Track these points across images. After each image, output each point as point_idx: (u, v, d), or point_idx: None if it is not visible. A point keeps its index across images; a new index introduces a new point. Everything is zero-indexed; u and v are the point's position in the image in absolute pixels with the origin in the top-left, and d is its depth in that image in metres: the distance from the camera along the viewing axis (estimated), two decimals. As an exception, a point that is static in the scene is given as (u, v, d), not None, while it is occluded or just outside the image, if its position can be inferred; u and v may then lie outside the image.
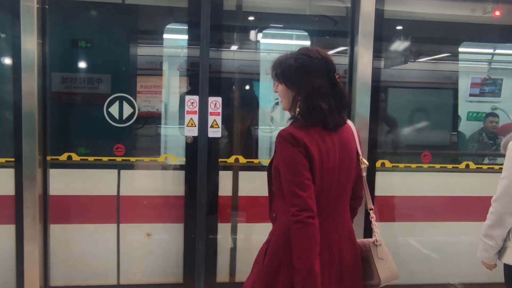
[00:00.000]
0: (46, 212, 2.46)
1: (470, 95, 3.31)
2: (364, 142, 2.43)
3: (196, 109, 2.45)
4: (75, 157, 2.46)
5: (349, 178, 1.29)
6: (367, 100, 2.43)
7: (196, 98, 2.44)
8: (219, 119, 2.46)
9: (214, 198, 2.54)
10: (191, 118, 2.46)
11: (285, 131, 1.20)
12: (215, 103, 2.46)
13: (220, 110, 2.46)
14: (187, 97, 2.46)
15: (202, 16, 2.37)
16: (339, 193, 1.26)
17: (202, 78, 2.41)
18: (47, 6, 2.35)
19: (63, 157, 2.45)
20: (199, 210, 2.41)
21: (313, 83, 1.21)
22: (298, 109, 1.24)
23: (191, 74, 2.64)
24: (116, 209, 2.51)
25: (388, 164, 2.53)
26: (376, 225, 1.36)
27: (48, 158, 2.43)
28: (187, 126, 2.46)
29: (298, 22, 2.84)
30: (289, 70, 1.24)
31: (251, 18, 2.80)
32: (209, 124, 2.45)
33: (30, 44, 2.23)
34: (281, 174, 1.19)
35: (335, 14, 2.74)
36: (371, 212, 1.40)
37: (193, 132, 2.46)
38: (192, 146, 2.46)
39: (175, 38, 2.96)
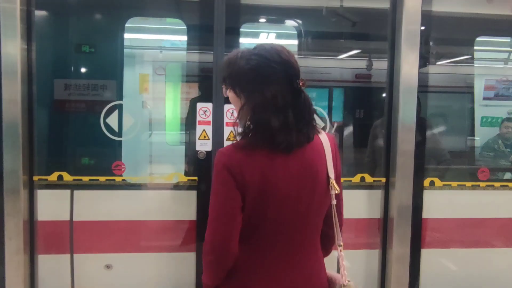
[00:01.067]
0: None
1: (484, 98, 3.00)
2: (409, 155, 2.06)
3: (210, 118, 2.08)
4: (67, 177, 2.09)
5: (314, 208, 1.05)
6: (412, 106, 2.05)
7: (209, 106, 2.07)
8: (237, 131, 2.09)
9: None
10: (204, 130, 2.08)
11: (220, 152, 1.01)
12: (232, 111, 2.08)
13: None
14: (199, 105, 2.08)
15: (216, 12, 2.03)
16: (298, 226, 1.03)
17: (217, 82, 2.05)
18: (33, 8, 2.02)
19: (53, 176, 2.07)
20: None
21: (265, 92, 0.97)
22: (247, 123, 1.01)
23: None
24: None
25: (438, 182, 2.14)
26: (345, 266, 1.11)
27: (35, 178, 2.06)
28: (199, 139, 2.08)
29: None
30: (237, 74, 1.02)
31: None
32: (225, 137, 2.08)
33: (11, 48, 1.90)
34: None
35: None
36: (339, 249, 1.14)
37: (207, 146, 2.08)
38: (205, 163, 2.09)
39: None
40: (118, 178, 2.13)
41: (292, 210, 1.01)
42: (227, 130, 2.08)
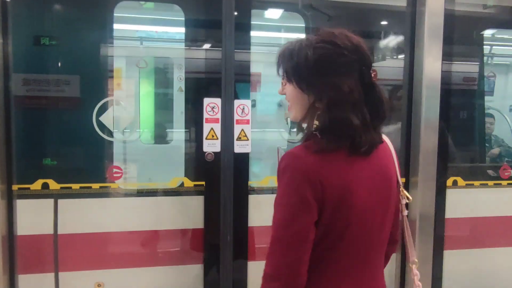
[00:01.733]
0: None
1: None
2: (433, 154, 1.94)
3: (219, 116, 1.86)
4: (54, 185, 1.81)
5: (387, 219, 0.92)
6: (436, 102, 1.94)
7: (218, 101, 1.86)
8: (248, 129, 1.89)
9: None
10: (212, 128, 1.87)
11: (292, 154, 0.84)
12: (242, 107, 1.88)
13: (250, 117, 1.89)
14: (206, 101, 1.86)
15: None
16: (372, 242, 0.89)
17: (226, 75, 1.84)
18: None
19: (36, 185, 1.79)
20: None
21: (341, 86, 0.82)
22: (316, 122, 0.86)
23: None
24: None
25: (461, 182, 2.05)
26: (421, 286, 1.02)
27: (15, 187, 1.77)
28: (206, 139, 1.87)
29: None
30: (305, 65, 0.84)
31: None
32: (236, 136, 1.88)
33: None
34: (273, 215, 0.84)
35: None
36: (413, 267, 1.04)
37: (215, 146, 1.87)
38: (212, 165, 1.87)
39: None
40: (114, 185, 1.87)
41: (371, 226, 0.86)
42: (238, 129, 1.88)
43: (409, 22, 2.04)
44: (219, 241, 1.86)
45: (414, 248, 1.04)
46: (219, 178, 1.86)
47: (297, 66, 0.86)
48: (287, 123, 2.63)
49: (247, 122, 1.89)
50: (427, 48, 1.93)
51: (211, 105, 1.86)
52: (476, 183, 2.10)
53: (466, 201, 2.11)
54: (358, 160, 0.84)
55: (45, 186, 1.79)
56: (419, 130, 1.94)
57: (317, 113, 0.86)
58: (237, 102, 1.87)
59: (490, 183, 2.13)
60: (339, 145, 0.82)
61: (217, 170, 1.86)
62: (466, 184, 2.06)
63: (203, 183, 1.92)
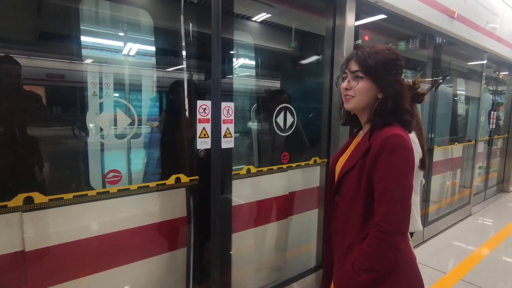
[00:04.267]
0: None
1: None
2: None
3: (209, 116, 2.06)
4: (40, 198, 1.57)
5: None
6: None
7: (208, 103, 2.05)
8: (232, 128, 2.17)
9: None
10: (204, 128, 2.05)
11: (401, 136, 1.11)
12: (228, 109, 2.14)
13: (233, 117, 2.17)
14: (199, 103, 2.01)
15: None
16: None
17: (214, 78, 2.04)
18: None
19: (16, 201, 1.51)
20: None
21: (403, 83, 1.19)
22: (374, 108, 1.20)
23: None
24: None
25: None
26: None
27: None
28: (199, 137, 2.04)
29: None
30: (381, 65, 1.17)
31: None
32: (223, 134, 2.13)
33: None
34: (380, 186, 1.08)
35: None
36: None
37: (206, 144, 2.07)
38: (205, 161, 2.08)
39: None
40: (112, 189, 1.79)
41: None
42: (224, 128, 2.13)
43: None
44: (210, 220, 2.12)
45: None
46: (210, 171, 2.09)
47: (374, 65, 1.15)
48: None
49: (231, 121, 2.17)
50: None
51: (203, 107, 2.03)
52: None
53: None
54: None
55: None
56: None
57: (377, 102, 1.18)
58: (223, 104, 2.11)
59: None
60: (403, 123, 1.17)
61: (209, 165, 2.08)
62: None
63: (197, 177, 2.11)
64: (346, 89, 1.22)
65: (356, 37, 2.76)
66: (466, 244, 3.94)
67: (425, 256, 3.57)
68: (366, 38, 3.15)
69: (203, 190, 2.12)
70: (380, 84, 1.17)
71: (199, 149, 2.04)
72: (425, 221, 3.98)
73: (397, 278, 1.10)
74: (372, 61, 1.16)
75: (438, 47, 3.99)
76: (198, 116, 2.02)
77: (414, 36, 3.68)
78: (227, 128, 2.15)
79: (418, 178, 1.80)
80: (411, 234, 1.71)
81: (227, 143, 2.16)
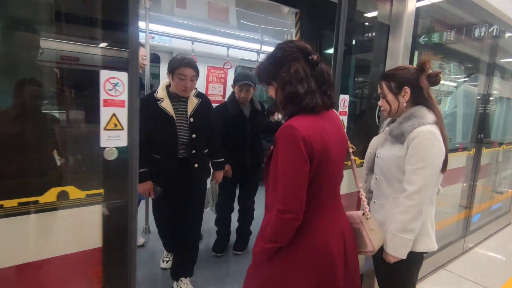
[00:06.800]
0: None
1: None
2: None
3: (124, 97, 1.30)
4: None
5: (342, 165, 1.32)
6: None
7: (123, 76, 1.28)
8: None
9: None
10: (114, 114, 1.29)
11: (285, 126, 1.15)
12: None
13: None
14: (104, 74, 1.25)
15: None
16: (336, 183, 1.31)
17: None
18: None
19: None
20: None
21: (289, 70, 1.19)
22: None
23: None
24: None
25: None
26: (366, 201, 1.45)
27: None
28: (105, 129, 1.29)
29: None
30: (268, 68, 1.25)
31: None
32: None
33: None
34: (278, 173, 1.17)
35: None
36: (360, 189, 1.48)
37: (119, 140, 1.32)
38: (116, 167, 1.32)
39: None
40: None
41: (337, 171, 1.27)
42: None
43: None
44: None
45: (359, 178, 1.48)
46: (124, 185, 1.34)
47: (264, 72, 1.26)
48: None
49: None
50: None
51: (113, 81, 1.27)
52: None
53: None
54: (325, 119, 1.21)
55: None
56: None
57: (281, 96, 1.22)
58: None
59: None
60: (296, 110, 1.18)
61: (124, 174, 1.33)
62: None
63: (102, 191, 1.35)
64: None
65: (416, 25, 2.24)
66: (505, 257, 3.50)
67: (463, 268, 3.13)
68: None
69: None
70: (276, 81, 1.24)
71: (104, 148, 1.29)
72: (466, 231, 3.54)
73: (295, 251, 1.22)
74: (259, 73, 1.29)
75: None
76: (103, 96, 1.26)
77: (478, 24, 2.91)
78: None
79: (435, 185, 1.60)
80: (424, 253, 1.57)
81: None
